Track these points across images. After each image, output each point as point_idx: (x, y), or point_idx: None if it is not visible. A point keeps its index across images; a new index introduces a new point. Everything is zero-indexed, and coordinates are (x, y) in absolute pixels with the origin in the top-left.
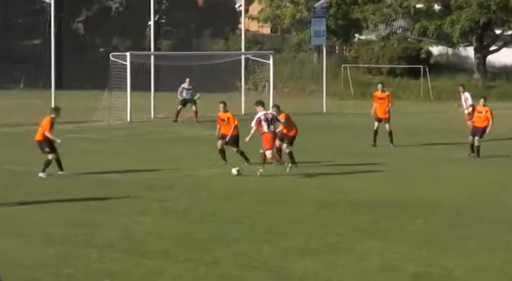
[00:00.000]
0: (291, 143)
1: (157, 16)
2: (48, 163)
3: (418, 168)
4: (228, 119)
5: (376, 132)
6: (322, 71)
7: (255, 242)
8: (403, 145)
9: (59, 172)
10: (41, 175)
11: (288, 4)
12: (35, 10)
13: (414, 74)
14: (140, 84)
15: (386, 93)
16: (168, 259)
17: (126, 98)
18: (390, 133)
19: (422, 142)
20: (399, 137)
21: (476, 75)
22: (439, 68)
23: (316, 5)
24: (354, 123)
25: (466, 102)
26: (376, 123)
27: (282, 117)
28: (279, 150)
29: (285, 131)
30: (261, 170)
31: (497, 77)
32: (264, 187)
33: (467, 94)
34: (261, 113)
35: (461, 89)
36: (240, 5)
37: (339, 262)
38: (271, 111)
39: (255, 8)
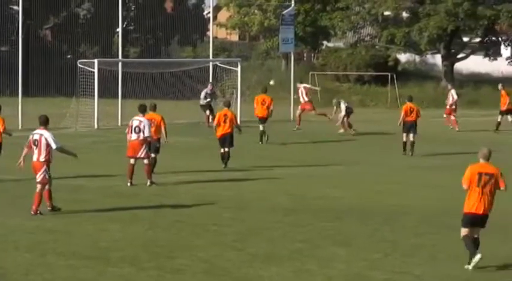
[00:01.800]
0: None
1: (125, 23)
2: None
3: (387, 175)
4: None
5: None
6: (290, 78)
7: (220, 250)
8: (372, 152)
9: None
10: None
11: (256, 11)
12: (2, 17)
13: (382, 81)
14: (108, 92)
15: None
16: (134, 266)
17: (94, 105)
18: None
19: (391, 149)
20: (368, 144)
21: (444, 83)
22: (406, 75)
23: (285, 12)
24: (319, 131)
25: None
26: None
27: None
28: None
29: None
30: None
31: (465, 85)
32: (229, 194)
33: (453, 91)
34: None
35: (449, 86)
36: (208, 12)
37: (304, 269)
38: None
39: (223, 15)
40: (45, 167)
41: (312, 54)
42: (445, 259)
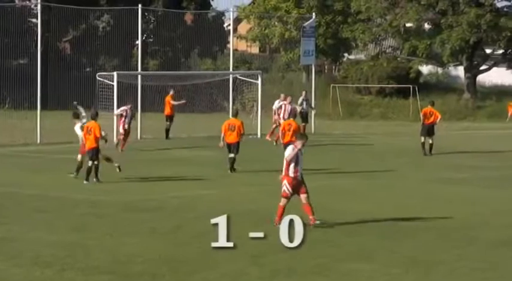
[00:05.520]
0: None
1: (145, 35)
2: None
3: (407, 189)
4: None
5: None
6: (311, 91)
7: (242, 265)
8: (393, 165)
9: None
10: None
11: (276, 23)
12: (21, 30)
13: (404, 93)
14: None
15: None
16: None
17: (113, 118)
18: None
19: (412, 162)
20: (388, 158)
21: (466, 95)
22: (428, 87)
23: (305, 24)
24: (341, 144)
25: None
26: None
27: None
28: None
29: None
30: None
31: (487, 97)
32: (251, 208)
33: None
34: None
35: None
36: (229, 25)
37: None
38: None
39: (243, 28)
40: (285, 180)
41: (333, 67)
42: (466, 274)
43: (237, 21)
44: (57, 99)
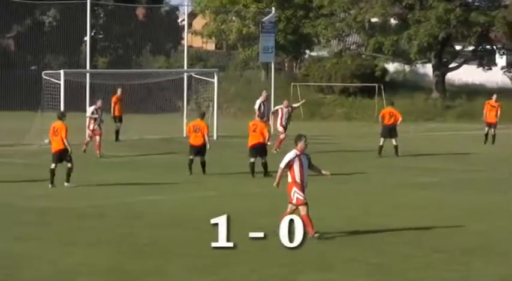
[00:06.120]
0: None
1: (94, 31)
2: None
3: (372, 194)
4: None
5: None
6: (271, 90)
7: (196, 275)
8: (359, 168)
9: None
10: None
11: (233, 18)
12: None
13: (369, 93)
14: (75, 105)
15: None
16: None
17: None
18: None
19: (379, 165)
20: (353, 161)
21: (435, 94)
22: (395, 86)
23: (265, 19)
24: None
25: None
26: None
27: None
28: None
29: None
30: None
31: (457, 96)
32: (205, 214)
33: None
34: None
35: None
36: (183, 20)
37: None
38: None
39: (198, 23)
40: (294, 187)
41: (294, 64)
42: None
43: (192, 16)
44: (0, 99)
